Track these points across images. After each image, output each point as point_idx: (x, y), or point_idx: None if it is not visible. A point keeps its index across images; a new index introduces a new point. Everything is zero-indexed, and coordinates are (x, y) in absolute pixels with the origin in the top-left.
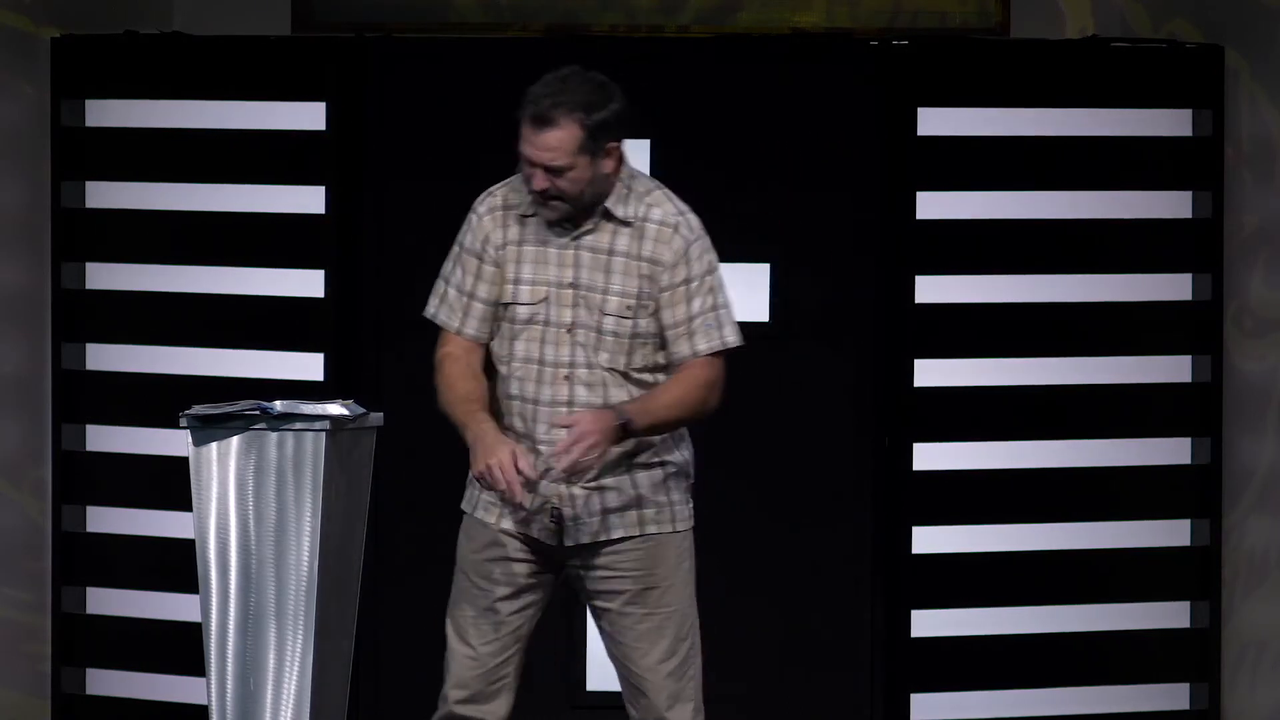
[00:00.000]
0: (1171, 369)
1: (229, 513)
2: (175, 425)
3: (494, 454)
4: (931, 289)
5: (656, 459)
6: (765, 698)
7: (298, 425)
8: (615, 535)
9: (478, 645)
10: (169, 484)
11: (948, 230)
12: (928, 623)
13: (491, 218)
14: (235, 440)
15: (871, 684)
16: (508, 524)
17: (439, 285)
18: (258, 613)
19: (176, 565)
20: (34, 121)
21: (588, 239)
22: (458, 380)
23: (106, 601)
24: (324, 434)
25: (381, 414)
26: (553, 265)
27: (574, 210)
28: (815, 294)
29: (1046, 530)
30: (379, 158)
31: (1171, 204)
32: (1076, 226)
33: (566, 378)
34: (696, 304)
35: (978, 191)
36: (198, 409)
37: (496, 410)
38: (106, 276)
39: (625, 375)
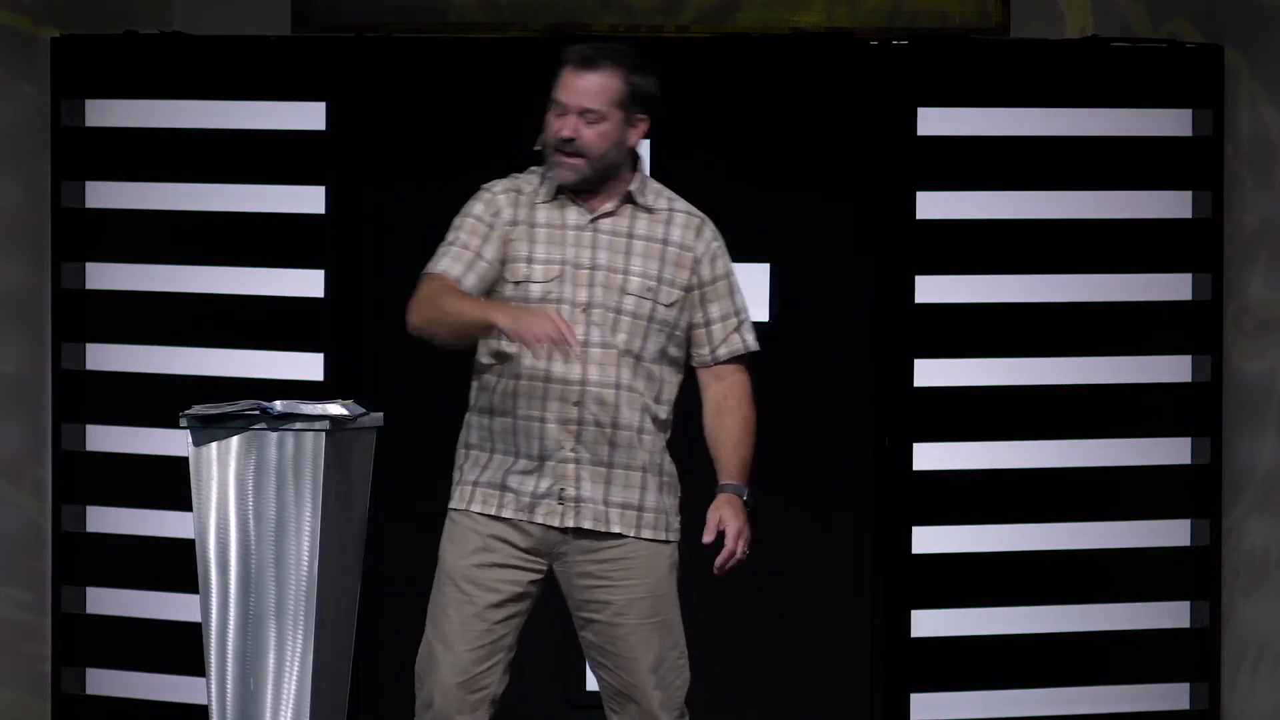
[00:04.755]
0: (1171, 369)
1: (229, 513)
2: (175, 425)
3: (537, 316)
4: (931, 289)
5: (656, 469)
6: (765, 698)
7: (298, 425)
8: (614, 529)
9: (461, 650)
10: (169, 484)
11: (948, 230)
12: (928, 623)
13: (506, 196)
14: (235, 440)
15: (871, 684)
16: (510, 511)
17: (442, 249)
18: (258, 613)
19: (176, 565)
20: (34, 121)
21: (606, 222)
22: (452, 287)
23: (106, 601)
24: (324, 434)
25: (381, 414)
26: (569, 246)
27: (589, 174)
28: (815, 294)
29: (1046, 530)
30: (379, 158)
31: (1171, 204)
32: (1076, 226)
33: (580, 356)
34: (739, 299)
35: (978, 191)
36: (198, 409)
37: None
38: (106, 276)
39: (638, 359)
